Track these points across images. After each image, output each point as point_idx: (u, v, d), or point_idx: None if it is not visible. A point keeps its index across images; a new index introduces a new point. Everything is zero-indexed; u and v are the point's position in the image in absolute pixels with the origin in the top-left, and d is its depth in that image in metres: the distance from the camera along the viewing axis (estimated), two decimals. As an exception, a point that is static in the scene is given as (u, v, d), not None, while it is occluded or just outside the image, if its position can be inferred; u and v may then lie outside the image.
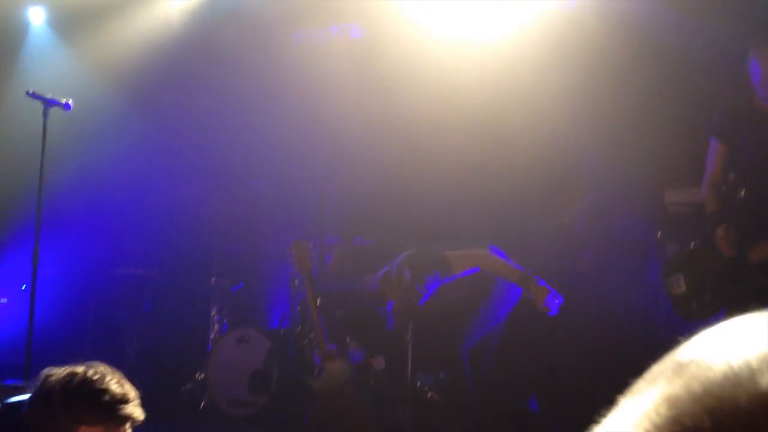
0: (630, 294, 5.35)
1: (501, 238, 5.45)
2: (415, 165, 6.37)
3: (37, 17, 7.04)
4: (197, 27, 6.80)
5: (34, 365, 4.19)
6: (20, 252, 5.26)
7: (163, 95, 7.06)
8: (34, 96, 4.53)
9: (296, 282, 5.37)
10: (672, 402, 0.49)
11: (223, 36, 6.84)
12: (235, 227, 7.08)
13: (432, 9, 6.34)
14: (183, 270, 7.06)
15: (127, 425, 1.85)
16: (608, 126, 5.78)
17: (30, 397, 1.86)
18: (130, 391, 1.87)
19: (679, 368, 0.52)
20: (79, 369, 1.86)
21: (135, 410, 1.85)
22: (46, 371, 1.88)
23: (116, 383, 1.85)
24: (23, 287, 6.31)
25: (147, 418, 1.88)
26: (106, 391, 1.82)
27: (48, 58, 7.06)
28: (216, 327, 6.61)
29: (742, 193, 3.93)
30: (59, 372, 1.85)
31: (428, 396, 4.98)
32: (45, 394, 1.83)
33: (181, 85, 7.09)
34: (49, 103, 4.55)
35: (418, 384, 5.00)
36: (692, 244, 4.23)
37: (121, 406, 1.82)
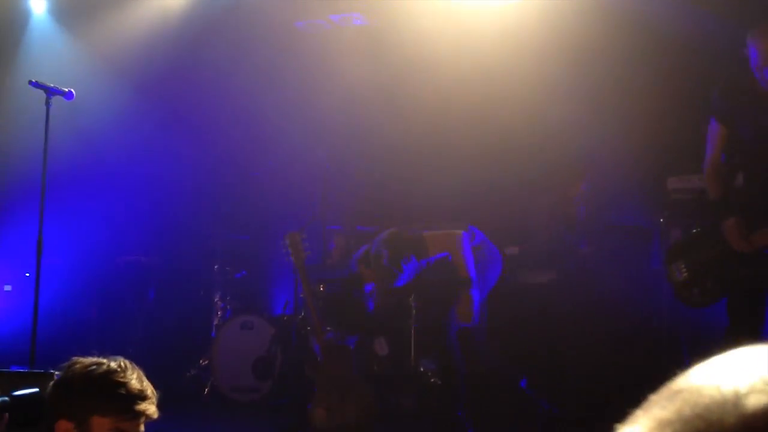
0: (632, 280, 5.37)
1: (500, 221, 5.48)
2: (416, 152, 6.38)
3: (38, 6, 7.04)
4: (198, 16, 6.79)
5: (38, 352, 4.23)
6: (25, 239, 5.28)
7: (166, 84, 7.06)
8: (36, 85, 4.53)
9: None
10: (663, 425, 0.52)
11: (225, 25, 6.83)
12: (238, 215, 7.11)
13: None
14: (187, 257, 7.09)
15: (141, 422, 1.88)
16: (610, 113, 5.78)
17: (54, 381, 1.92)
18: (148, 389, 1.91)
19: (673, 395, 0.55)
20: (103, 360, 1.90)
21: (150, 408, 1.88)
22: (74, 359, 1.92)
23: (136, 379, 1.89)
24: (27, 275, 6.35)
25: None
26: (124, 384, 1.86)
27: (50, 48, 7.06)
28: (219, 314, 6.64)
29: (741, 178, 3.93)
30: (85, 361, 1.90)
31: (431, 380, 5.02)
32: (67, 380, 1.89)
33: (183, 75, 7.08)
34: (51, 92, 4.55)
35: (421, 369, 5.03)
36: (693, 231, 4.23)
37: (136, 402, 1.86)
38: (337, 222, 6.21)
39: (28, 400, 2.37)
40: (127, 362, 1.93)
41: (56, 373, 2.59)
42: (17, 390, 2.40)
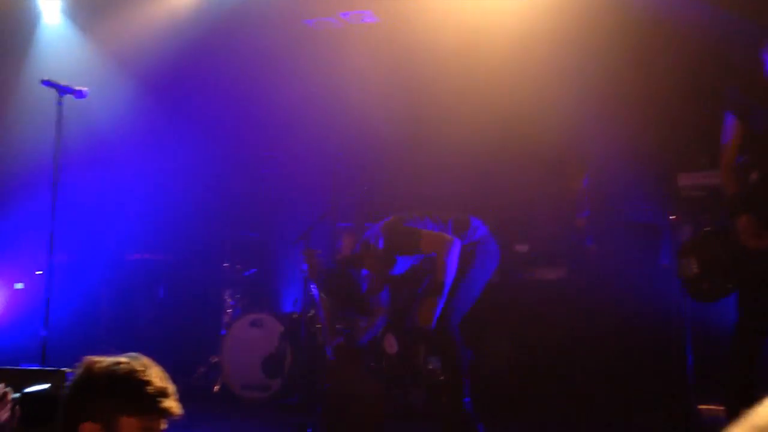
0: (642, 277, 5.36)
1: (510, 218, 5.48)
2: (426, 150, 6.38)
3: (50, 5, 7.07)
4: (208, 14, 6.80)
5: (49, 349, 4.25)
6: (36, 238, 5.31)
7: (175, 82, 7.08)
8: (48, 84, 4.55)
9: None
10: None
11: (235, 22, 6.84)
12: (248, 213, 7.13)
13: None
14: (197, 255, 7.12)
15: (164, 419, 1.87)
16: (622, 110, 5.76)
17: (72, 381, 1.88)
18: (170, 386, 1.89)
19: (743, 420, 0.65)
20: (123, 359, 1.87)
21: (173, 405, 1.87)
22: (90, 357, 1.89)
23: (158, 377, 1.88)
24: (39, 272, 6.38)
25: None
26: (149, 383, 1.84)
27: (61, 46, 7.09)
28: (229, 311, 6.66)
29: (755, 176, 3.91)
30: (104, 360, 1.87)
31: (441, 378, 5.01)
32: (89, 380, 1.85)
33: (192, 73, 7.11)
34: (63, 90, 4.57)
35: (431, 366, 5.03)
36: (706, 227, 4.23)
37: (160, 400, 1.85)
38: (347, 219, 6.22)
39: (40, 397, 2.39)
40: (147, 359, 1.91)
41: (68, 371, 2.60)
42: (28, 387, 2.42)
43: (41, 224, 4.60)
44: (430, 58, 6.35)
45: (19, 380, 2.42)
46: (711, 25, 5.43)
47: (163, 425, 1.86)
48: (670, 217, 5.11)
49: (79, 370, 1.88)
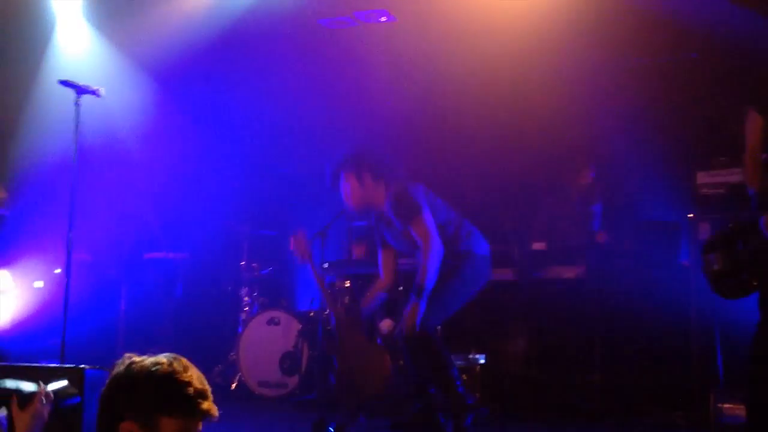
0: (661, 275, 5.33)
1: (528, 217, 5.46)
2: (440, 149, 6.38)
3: (67, 6, 7.11)
4: (225, 14, 6.82)
5: (68, 347, 4.28)
6: (55, 236, 5.35)
7: (191, 82, 7.11)
8: (66, 84, 4.57)
9: (326, 265, 5.43)
10: None
11: (250, 22, 6.85)
12: (265, 211, 7.15)
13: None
14: (214, 254, 7.15)
15: (201, 421, 1.85)
16: (640, 109, 5.73)
17: (112, 379, 1.85)
18: (208, 387, 1.87)
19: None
20: (163, 359, 1.85)
21: (212, 406, 1.85)
22: (131, 356, 1.87)
23: (197, 378, 1.85)
24: (58, 271, 6.42)
25: None
26: (189, 384, 1.82)
27: (79, 46, 7.14)
28: (246, 309, 6.68)
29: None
30: (144, 359, 1.85)
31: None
32: (128, 380, 1.83)
33: (210, 72, 7.13)
34: (80, 90, 4.59)
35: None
36: (731, 223, 4.19)
37: (200, 401, 1.83)
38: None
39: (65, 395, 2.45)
40: (185, 360, 1.88)
41: (87, 368, 2.63)
42: (48, 384, 2.44)
43: (60, 223, 4.63)
44: (445, 57, 6.33)
45: (38, 377, 2.44)
46: (730, 20, 5.38)
47: (200, 427, 1.84)
48: (689, 216, 5.08)
49: (118, 369, 1.85)
